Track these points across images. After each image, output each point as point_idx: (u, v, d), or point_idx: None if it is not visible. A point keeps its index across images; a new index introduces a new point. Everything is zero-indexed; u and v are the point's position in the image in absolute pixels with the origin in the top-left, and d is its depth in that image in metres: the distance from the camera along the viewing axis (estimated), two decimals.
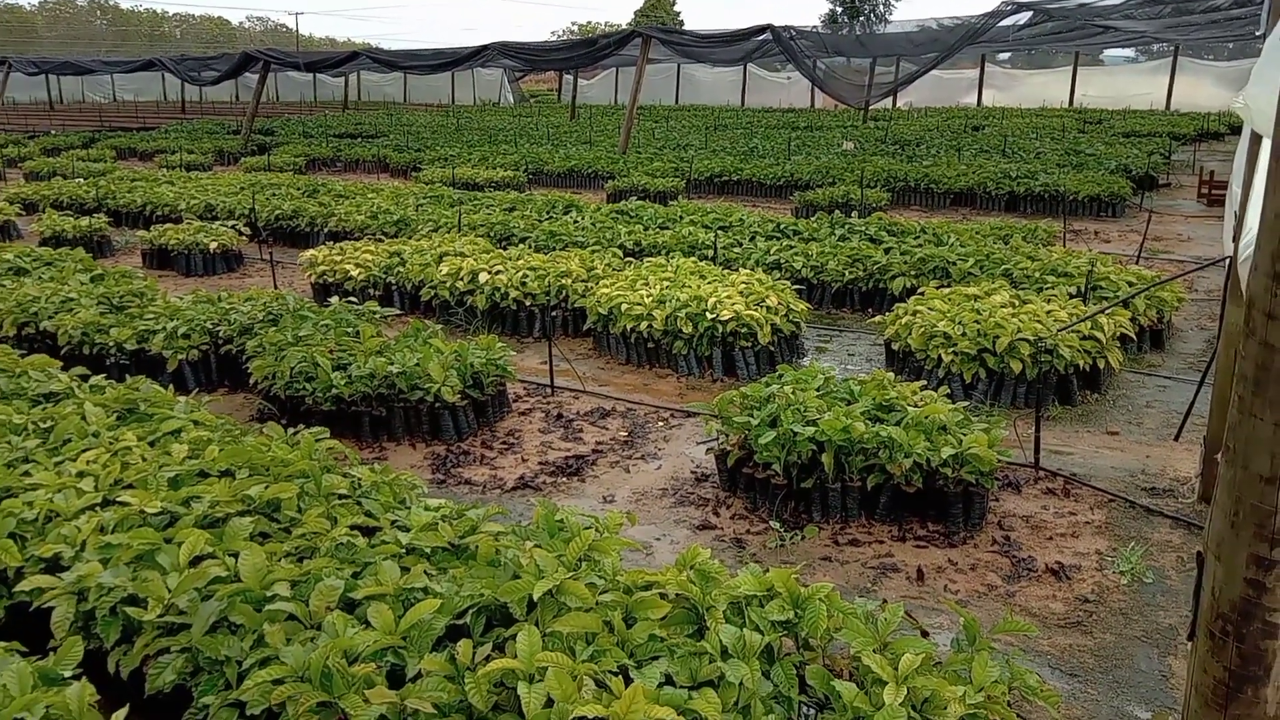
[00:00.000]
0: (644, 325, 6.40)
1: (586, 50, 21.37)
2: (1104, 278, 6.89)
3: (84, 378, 4.96)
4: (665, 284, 6.76)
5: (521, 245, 8.96)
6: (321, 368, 5.25)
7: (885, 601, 2.95)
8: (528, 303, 7.37)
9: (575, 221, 10.27)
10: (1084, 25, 18.76)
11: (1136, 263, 9.00)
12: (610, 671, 2.42)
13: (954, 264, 7.63)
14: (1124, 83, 34.95)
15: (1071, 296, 6.57)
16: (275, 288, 7.62)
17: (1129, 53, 38.21)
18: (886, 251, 8.24)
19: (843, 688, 2.43)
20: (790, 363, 6.40)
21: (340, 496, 3.56)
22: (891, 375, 4.80)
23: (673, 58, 29.03)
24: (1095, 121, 26.65)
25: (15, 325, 6.56)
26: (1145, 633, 3.39)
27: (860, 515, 4.23)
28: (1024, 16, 17.33)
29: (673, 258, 7.79)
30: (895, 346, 6.13)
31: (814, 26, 23.05)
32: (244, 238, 10.59)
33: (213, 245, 9.95)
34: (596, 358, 6.88)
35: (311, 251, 8.71)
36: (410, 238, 9.74)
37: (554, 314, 7.31)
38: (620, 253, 8.43)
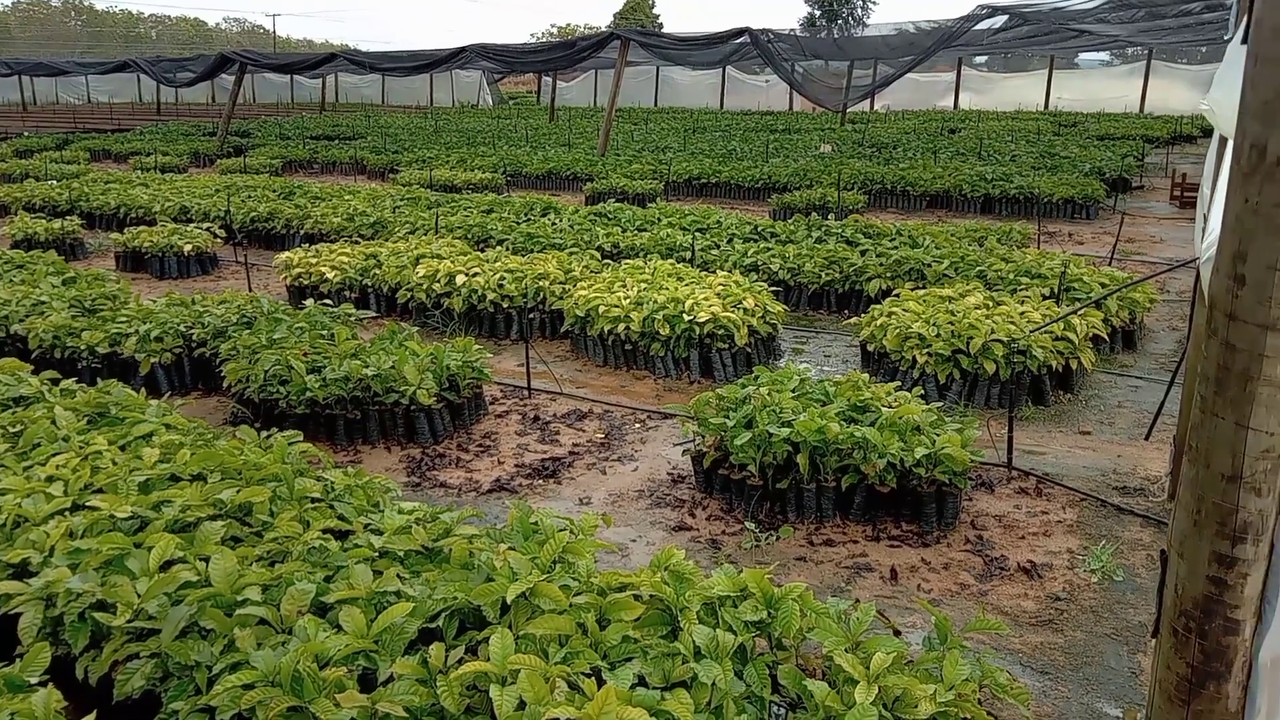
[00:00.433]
0: (621, 327, 6.40)
1: (565, 52, 21.33)
2: (1077, 279, 6.96)
3: (55, 381, 4.90)
4: (643, 286, 6.77)
5: (499, 247, 8.95)
6: (296, 371, 5.22)
7: (858, 601, 2.97)
8: (505, 305, 7.35)
9: (553, 224, 10.27)
10: (1058, 29, 18.94)
11: (1109, 264, 9.09)
12: (583, 673, 2.42)
13: (929, 266, 7.68)
14: (1098, 86, 35.24)
15: (1045, 298, 6.63)
16: (250, 290, 7.57)
17: (1103, 56, 38.52)
18: (863, 254, 8.28)
19: (815, 687, 2.44)
20: (767, 364, 6.43)
21: (313, 500, 3.54)
22: (866, 376, 4.83)
23: (651, 60, 29.07)
24: (1070, 124, 26.85)
25: None
26: (1115, 630, 3.43)
27: (835, 515, 4.26)
28: (999, 20, 17.46)
29: (650, 260, 7.80)
30: (871, 348, 6.16)
31: (792, 30, 23.13)
32: (219, 240, 10.51)
33: (187, 248, 9.87)
34: (574, 360, 6.87)
35: (287, 254, 8.65)
36: (387, 240, 9.70)
37: (531, 316, 7.30)
38: (598, 255, 8.44)
